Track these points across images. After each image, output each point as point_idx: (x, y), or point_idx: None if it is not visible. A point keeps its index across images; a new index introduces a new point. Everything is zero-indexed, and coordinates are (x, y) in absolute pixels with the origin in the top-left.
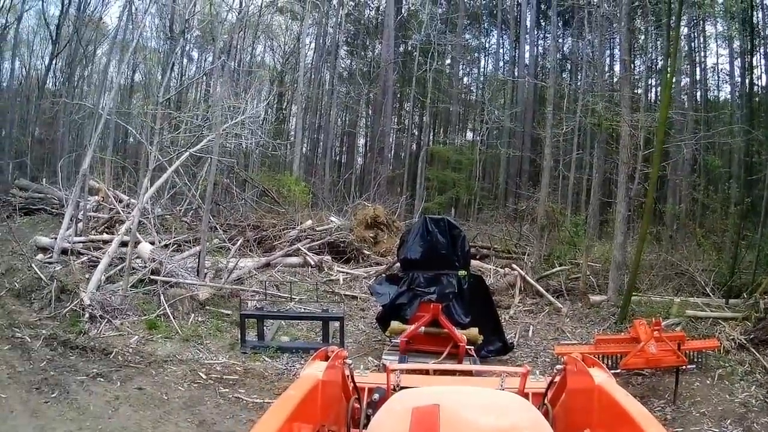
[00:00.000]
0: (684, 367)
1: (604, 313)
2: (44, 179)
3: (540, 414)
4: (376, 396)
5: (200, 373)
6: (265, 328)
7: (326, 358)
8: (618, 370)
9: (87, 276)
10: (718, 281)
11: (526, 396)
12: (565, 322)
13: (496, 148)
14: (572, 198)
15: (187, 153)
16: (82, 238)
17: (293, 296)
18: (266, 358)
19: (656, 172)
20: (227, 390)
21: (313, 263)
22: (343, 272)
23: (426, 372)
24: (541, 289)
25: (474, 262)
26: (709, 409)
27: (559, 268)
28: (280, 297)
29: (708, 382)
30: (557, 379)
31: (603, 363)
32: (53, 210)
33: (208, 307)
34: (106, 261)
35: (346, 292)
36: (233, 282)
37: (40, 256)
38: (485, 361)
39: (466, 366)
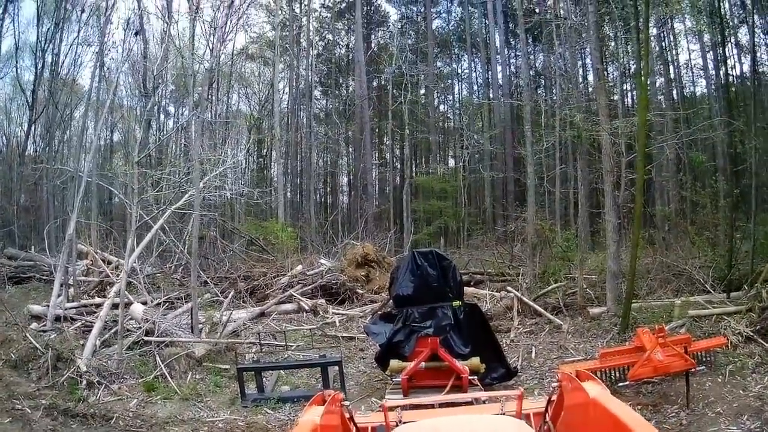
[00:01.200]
0: (693, 369)
1: (606, 324)
2: (33, 247)
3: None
4: None
5: None
6: (264, 379)
7: (323, 403)
8: (627, 382)
9: (82, 342)
10: (716, 276)
11: (525, 417)
12: (567, 338)
13: (479, 172)
14: (561, 212)
15: (170, 210)
16: (74, 304)
17: (289, 344)
18: (268, 411)
19: (642, 176)
20: None
21: (307, 308)
22: (338, 314)
23: (426, 406)
24: (539, 309)
25: (469, 289)
26: (725, 408)
27: (554, 285)
28: (277, 346)
29: (719, 380)
30: (554, 397)
31: (610, 376)
32: (44, 277)
33: (205, 364)
34: (99, 326)
35: (344, 334)
36: (228, 335)
37: (34, 325)
38: (490, 388)
39: (461, 395)
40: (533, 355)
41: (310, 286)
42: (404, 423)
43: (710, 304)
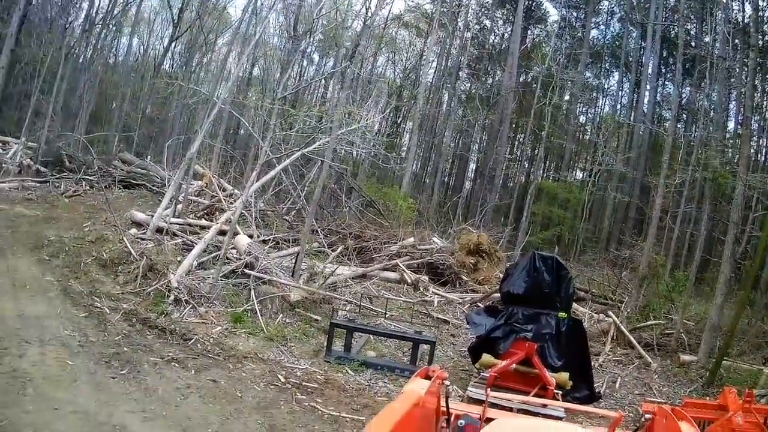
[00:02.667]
0: None
1: (693, 374)
2: (149, 157)
3: None
4: (461, 422)
5: (279, 376)
6: (353, 339)
7: (427, 377)
8: None
9: (179, 258)
10: None
11: None
12: (653, 378)
13: (604, 191)
14: (674, 251)
15: (299, 152)
16: (179, 220)
17: (386, 312)
18: (349, 371)
19: (766, 236)
20: (304, 397)
21: (409, 281)
22: (438, 294)
23: (507, 408)
24: (633, 341)
25: None
26: None
27: (653, 322)
28: (373, 311)
29: None
30: (642, 428)
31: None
32: (154, 187)
33: (297, 310)
34: (200, 246)
35: (439, 315)
36: (327, 288)
37: (133, 231)
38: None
39: (558, 403)
40: (617, 385)
41: (417, 261)
42: (489, 418)
43: None
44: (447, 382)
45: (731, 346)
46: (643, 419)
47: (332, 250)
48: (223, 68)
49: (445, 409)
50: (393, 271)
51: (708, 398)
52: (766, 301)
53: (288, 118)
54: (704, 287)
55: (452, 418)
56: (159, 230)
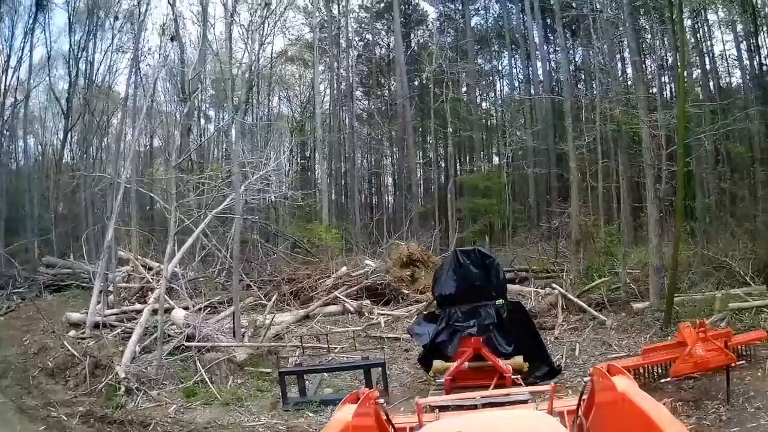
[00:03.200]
0: (734, 364)
1: (649, 319)
2: (71, 255)
3: (561, 427)
4: None
5: None
6: (307, 382)
7: (357, 401)
8: (668, 378)
9: (121, 349)
10: (756, 268)
11: (559, 415)
12: (611, 335)
13: (522, 169)
14: (603, 208)
15: (211, 215)
16: (114, 311)
17: (333, 346)
18: (310, 414)
19: (682, 168)
20: None
21: (352, 309)
22: (384, 314)
23: (465, 408)
24: (583, 305)
25: (514, 287)
26: (764, 403)
27: (598, 281)
28: (320, 348)
29: (759, 374)
30: (586, 392)
31: (653, 372)
32: (83, 284)
33: (246, 368)
34: (138, 331)
35: (389, 335)
36: (271, 339)
37: (72, 333)
38: (533, 386)
39: (493, 392)
40: (577, 352)
41: (355, 288)
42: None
43: (750, 296)
44: (381, 400)
45: (679, 281)
46: (584, 383)
47: (268, 300)
48: (120, 147)
49: (387, 425)
50: (334, 304)
51: (669, 338)
52: (704, 228)
53: (192, 180)
54: (642, 233)
55: None
56: (96, 326)
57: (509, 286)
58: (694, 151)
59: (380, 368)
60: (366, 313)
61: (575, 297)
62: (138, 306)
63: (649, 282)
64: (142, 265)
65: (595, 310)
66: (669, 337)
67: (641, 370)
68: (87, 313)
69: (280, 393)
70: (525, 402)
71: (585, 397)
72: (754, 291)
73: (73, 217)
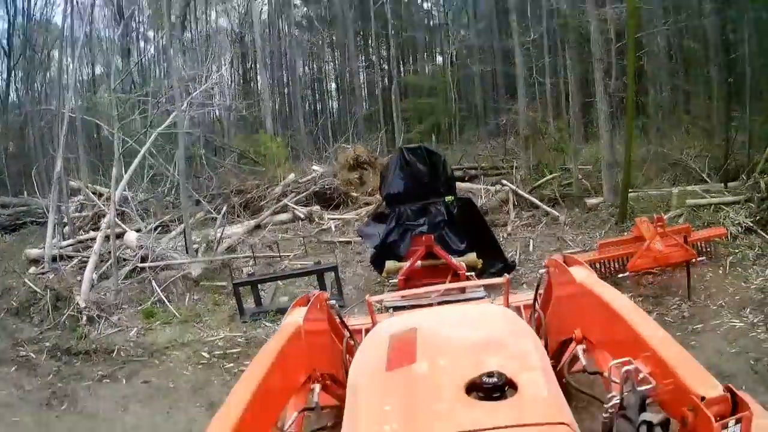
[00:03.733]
0: (694, 260)
1: (603, 215)
2: (25, 192)
3: (522, 321)
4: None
5: (203, 353)
6: (262, 292)
7: (308, 303)
8: (626, 273)
9: (79, 279)
10: (713, 166)
11: (516, 310)
12: (565, 230)
13: (467, 68)
14: (552, 104)
15: (155, 133)
16: (70, 241)
17: (285, 254)
18: (267, 323)
19: (633, 62)
20: (232, 365)
21: (302, 216)
22: (334, 219)
23: (416, 306)
24: (535, 201)
25: (463, 185)
26: (726, 300)
27: (550, 177)
28: (273, 257)
29: (720, 271)
30: (543, 284)
31: (610, 267)
32: (39, 220)
33: (202, 284)
34: (93, 260)
35: (340, 239)
36: (224, 252)
37: (32, 269)
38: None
39: (445, 286)
40: (531, 248)
41: (304, 194)
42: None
43: (708, 193)
44: (332, 302)
45: (633, 177)
46: (539, 275)
47: (218, 214)
48: (60, 79)
49: (341, 327)
50: (284, 212)
51: (625, 234)
52: (657, 125)
53: (132, 100)
54: (592, 130)
55: (363, 334)
56: (54, 259)
57: (459, 185)
58: (646, 47)
59: (333, 272)
60: (316, 219)
61: (527, 193)
62: (93, 234)
63: (602, 178)
64: (93, 192)
65: (548, 206)
66: (625, 233)
67: (597, 266)
68: (44, 247)
69: (236, 305)
70: (480, 299)
71: (541, 291)
72: (711, 188)
73: (24, 155)
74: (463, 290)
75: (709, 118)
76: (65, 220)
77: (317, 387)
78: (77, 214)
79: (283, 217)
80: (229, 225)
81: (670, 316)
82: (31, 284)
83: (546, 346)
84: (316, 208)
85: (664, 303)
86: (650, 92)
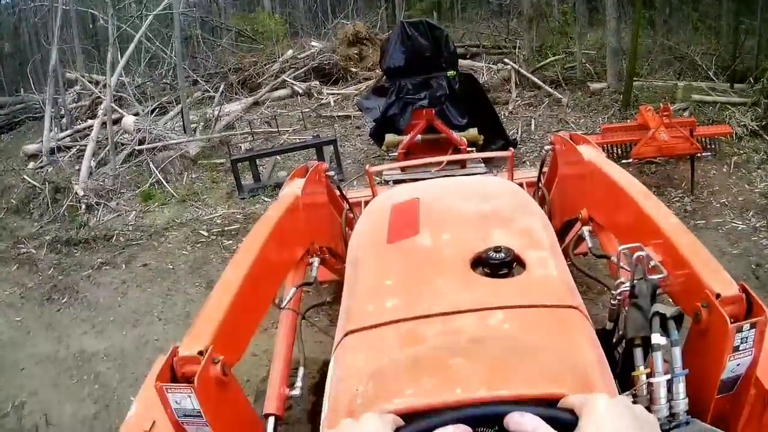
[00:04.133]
0: (699, 154)
1: (606, 100)
2: (22, 89)
3: (528, 196)
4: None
5: (201, 232)
6: (260, 168)
7: (305, 174)
8: (629, 160)
9: (77, 168)
10: (720, 65)
11: (518, 185)
12: (567, 112)
13: None
14: None
15: (151, 16)
16: (68, 132)
17: (284, 129)
18: (265, 198)
19: None
20: (230, 242)
21: (301, 92)
22: (333, 94)
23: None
24: (537, 81)
25: (464, 62)
26: (729, 200)
27: (553, 58)
28: (271, 133)
29: (724, 170)
30: (548, 161)
31: (612, 152)
32: (37, 115)
33: (200, 162)
34: (91, 146)
35: (339, 113)
36: (223, 129)
37: (31, 165)
38: (489, 160)
39: (446, 157)
40: (533, 127)
41: (302, 70)
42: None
43: (714, 91)
44: (331, 173)
45: (638, 66)
46: (544, 152)
47: (217, 92)
48: None
49: (340, 199)
50: (282, 88)
51: (629, 121)
52: (664, 18)
53: None
54: (598, 16)
55: (362, 206)
56: (53, 151)
57: (460, 62)
58: None
59: (332, 145)
60: (315, 94)
61: (529, 73)
62: (91, 123)
63: (606, 64)
64: (90, 81)
65: (551, 87)
66: (628, 120)
67: (603, 148)
68: (42, 141)
69: (234, 182)
70: (481, 174)
71: (546, 168)
72: (717, 87)
73: (20, 53)
74: (463, 164)
75: (719, 18)
76: (62, 111)
77: (316, 261)
78: (75, 105)
79: (282, 93)
80: (227, 103)
81: (672, 208)
82: (30, 179)
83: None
84: (315, 83)
85: (666, 194)
86: None
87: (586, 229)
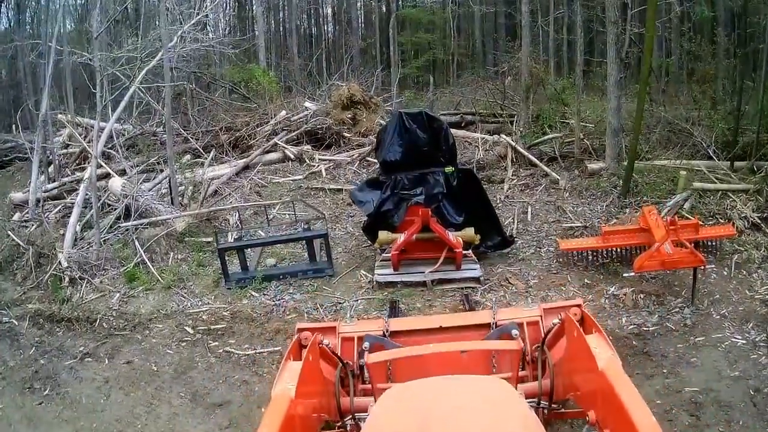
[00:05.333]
0: (703, 267)
1: (605, 184)
2: (16, 127)
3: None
4: (366, 344)
5: (187, 328)
6: (249, 252)
7: (301, 348)
8: (631, 273)
9: (62, 232)
10: (720, 141)
11: (519, 326)
12: (565, 197)
13: (467, 6)
14: (554, 55)
15: (143, 72)
16: (55, 184)
17: (272, 202)
18: (253, 293)
19: (652, 28)
20: (217, 343)
21: (292, 156)
22: (325, 160)
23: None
24: (533, 159)
25: (459, 132)
26: (729, 310)
27: (551, 135)
28: (260, 205)
29: (725, 273)
30: (554, 331)
31: (613, 255)
32: (26, 156)
33: (187, 239)
34: (77, 212)
35: (331, 186)
36: (211, 196)
37: (17, 216)
38: (484, 257)
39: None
40: (529, 216)
41: (295, 133)
42: (393, 331)
43: (713, 173)
44: (326, 341)
45: (638, 146)
46: (552, 324)
47: (207, 153)
48: (47, 9)
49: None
50: (274, 151)
51: (626, 210)
52: (662, 87)
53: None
54: (595, 82)
55: (355, 342)
56: (39, 203)
57: (455, 132)
58: (660, 14)
59: (322, 239)
60: (307, 160)
61: (525, 150)
62: (79, 175)
63: (605, 142)
64: (78, 124)
65: (547, 165)
66: (626, 210)
67: (602, 252)
68: (29, 192)
69: (221, 267)
70: (477, 279)
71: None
72: (717, 168)
73: (15, 86)
74: (458, 265)
75: (715, 83)
76: (52, 158)
77: None
78: (64, 152)
79: (273, 156)
80: (218, 165)
81: (671, 322)
82: (14, 237)
83: (551, 389)
84: (307, 147)
85: (666, 304)
86: (656, 54)
87: None
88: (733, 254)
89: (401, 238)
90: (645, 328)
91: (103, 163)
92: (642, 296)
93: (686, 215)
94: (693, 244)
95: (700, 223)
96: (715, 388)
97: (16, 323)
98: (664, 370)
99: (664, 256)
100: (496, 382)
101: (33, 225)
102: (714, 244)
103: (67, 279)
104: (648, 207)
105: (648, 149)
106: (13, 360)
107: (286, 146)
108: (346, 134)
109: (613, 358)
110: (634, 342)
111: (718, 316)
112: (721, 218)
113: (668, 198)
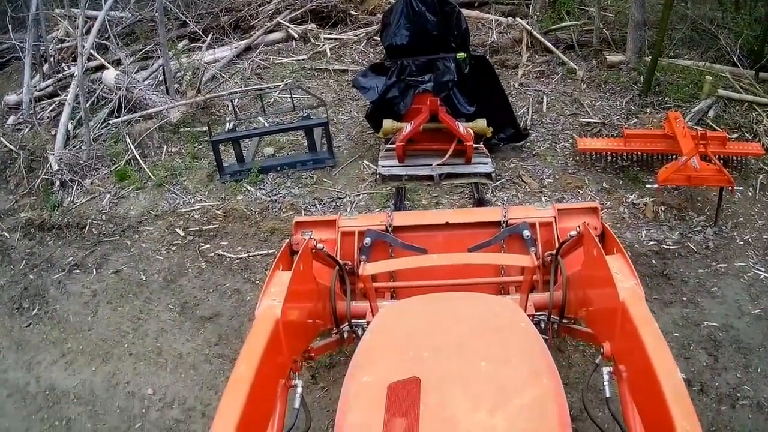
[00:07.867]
0: (731, 188)
1: (625, 79)
2: (10, 27)
3: (541, 345)
4: (367, 240)
5: (178, 230)
6: (246, 142)
7: (292, 255)
8: (655, 185)
9: (53, 133)
10: (746, 48)
11: (530, 226)
12: (582, 89)
13: None
14: None
15: None
16: (49, 82)
17: (276, 84)
18: (248, 187)
19: None
20: (208, 246)
21: (296, 35)
22: (330, 39)
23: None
24: (550, 46)
25: (472, 12)
26: (754, 236)
27: (569, 23)
28: (261, 89)
29: (750, 194)
30: (570, 242)
31: (634, 159)
32: (23, 54)
33: (181, 130)
34: (67, 111)
35: (335, 67)
36: (209, 82)
37: (11, 119)
38: (497, 149)
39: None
40: (544, 107)
41: (299, 11)
42: (396, 227)
43: (738, 81)
44: (320, 245)
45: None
46: (569, 236)
47: (206, 36)
48: None
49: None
50: (277, 30)
51: (647, 109)
52: None
53: None
54: None
55: (356, 237)
56: (33, 102)
57: (467, 12)
58: None
59: (323, 127)
60: (311, 39)
61: (542, 35)
62: (73, 70)
63: (626, 33)
64: (74, 17)
65: (563, 53)
66: (647, 109)
67: (623, 155)
68: (23, 93)
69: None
70: (489, 175)
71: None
72: (742, 76)
73: None
74: (468, 159)
75: None
76: (45, 55)
77: (299, 387)
78: (60, 47)
79: (276, 36)
80: (218, 47)
81: (693, 242)
82: (6, 143)
83: (563, 302)
84: (312, 26)
85: (687, 220)
86: None
87: (606, 373)
88: (758, 173)
89: (407, 127)
90: (665, 246)
91: (96, 54)
92: (663, 208)
93: (711, 124)
94: (721, 160)
95: (728, 137)
96: (735, 325)
97: (8, 236)
98: (684, 298)
99: (691, 171)
100: (502, 304)
101: (26, 128)
102: (740, 160)
103: (57, 182)
104: (674, 113)
105: (671, 47)
106: (3, 277)
107: (289, 25)
108: (353, 12)
109: (635, 289)
110: (653, 261)
111: (742, 242)
112: (746, 132)
113: (691, 102)
